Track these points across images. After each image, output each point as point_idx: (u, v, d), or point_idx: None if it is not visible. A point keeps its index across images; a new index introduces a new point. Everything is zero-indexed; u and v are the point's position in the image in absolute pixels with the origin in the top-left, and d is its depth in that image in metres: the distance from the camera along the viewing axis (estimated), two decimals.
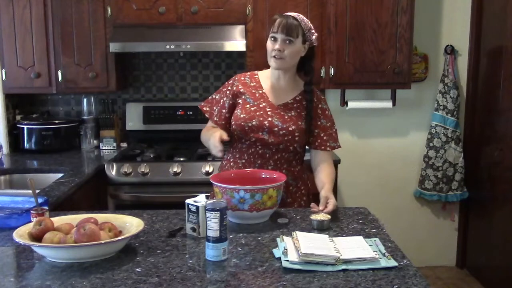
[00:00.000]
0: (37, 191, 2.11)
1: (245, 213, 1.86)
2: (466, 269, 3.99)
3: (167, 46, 3.30)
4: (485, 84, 3.70)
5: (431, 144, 3.83)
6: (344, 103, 3.74)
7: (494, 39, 3.56)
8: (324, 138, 2.24)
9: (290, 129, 2.16)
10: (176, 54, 3.79)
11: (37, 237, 1.59)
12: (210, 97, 2.39)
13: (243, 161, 2.21)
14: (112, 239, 1.57)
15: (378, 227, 1.88)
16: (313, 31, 2.20)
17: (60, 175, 2.87)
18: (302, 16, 2.20)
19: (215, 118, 2.31)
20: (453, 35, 3.81)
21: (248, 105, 2.21)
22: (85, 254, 1.54)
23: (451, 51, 3.79)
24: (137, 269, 1.50)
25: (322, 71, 3.47)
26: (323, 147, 2.23)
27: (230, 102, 2.27)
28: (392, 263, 1.52)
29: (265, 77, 2.29)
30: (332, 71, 3.44)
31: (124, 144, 3.76)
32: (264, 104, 2.21)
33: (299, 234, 1.67)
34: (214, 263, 1.54)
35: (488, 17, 3.65)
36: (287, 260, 1.51)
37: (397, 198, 3.98)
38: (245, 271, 1.49)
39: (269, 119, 2.17)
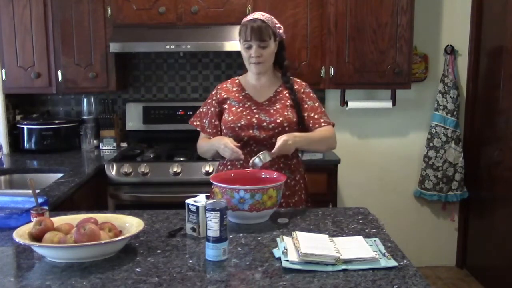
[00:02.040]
0: (37, 191, 2.10)
1: (245, 213, 1.86)
2: (466, 269, 3.99)
3: (167, 46, 3.30)
4: (485, 84, 3.70)
5: (431, 144, 3.83)
6: (344, 103, 3.74)
7: (494, 39, 3.56)
8: (316, 116, 2.27)
9: (278, 121, 2.20)
10: (176, 54, 3.79)
11: (37, 237, 1.59)
12: (198, 112, 2.44)
13: (241, 162, 2.22)
14: (112, 239, 1.57)
15: (378, 227, 1.88)
16: (278, 25, 2.26)
17: (60, 175, 2.87)
18: (267, 15, 2.26)
19: (208, 130, 2.36)
20: (453, 35, 3.81)
21: (234, 108, 2.28)
22: (85, 254, 1.54)
23: (451, 51, 3.79)
24: (137, 269, 1.50)
25: (322, 71, 3.47)
26: (317, 125, 2.25)
27: (217, 110, 2.33)
28: (392, 263, 1.52)
29: (246, 80, 2.36)
30: (332, 71, 3.44)
31: (124, 144, 3.76)
32: (249, 103, 2.27)
33: (299, 234, 1.67)
34: (214, 263, 1.54)
35: (488, 17, 3.65)
36: (287, 260, 1.51)
37: (397, 198, 3.98)
38: (245, 271, 1.49)
39: (256, 115, 2.22)
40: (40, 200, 1.89)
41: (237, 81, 2.38)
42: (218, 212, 1.54)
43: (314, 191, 3.24)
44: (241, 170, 2.16)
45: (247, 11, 3.39)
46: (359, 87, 3.64)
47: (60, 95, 3.79)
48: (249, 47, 2.21)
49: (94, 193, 3.05)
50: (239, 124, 2.22)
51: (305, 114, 2.26)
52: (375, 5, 3.39)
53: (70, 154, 3.47)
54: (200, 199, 1.78)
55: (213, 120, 2.34)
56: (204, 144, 2.33)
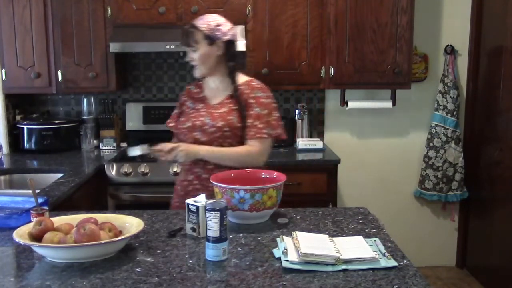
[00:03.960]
0: (37, 191, 2.10)
1: (245, 213, 1.86)
2: (466, 269, 3.99)
3: (167, 46, 3.30)
4: (485, 84, 3.70)
5: (431, 144, 3.83)
6: (344, 103, 3.74)
7: (494, 39, 3.56)
8: (260, 126, 2.19)
9: (218, 125, 2.19)
10: (176, 54, 3.79)
11: (37, 237, 1.59)
12: (173, 113, 2.47)
13: (187, 165, 2.27)
14: (112, 239, 1.57)
15: (378, 227, 1.88)
16: (221, 27, 2.21)
17: (60, 175, 2.87)
18: (206, 19, 2.23)
19: (170, 124, 2.43)
20: (453, 35, 3.81)
21: (188, 110, 2.33)
22: (85, 254, 1.54)
23: (451, 51, 3.79)
24: (137, 269, 1.50)
25: (322, 71, 3.47)
26: (259, 135, 2.18)
27: (179, 111, 2.40)
28: (392, 263, 1.52)
29: (207, 81, 2.36)
30: (332, 71, 3.44)
31: (124, 144, 3.76)
32: (201, 105, 2.30)
33: (299, 234, 1.67)
34: (214, 263, 1.54)
35: (488, 17, 3.65)
36: (287, 260, 1.51)
37: (397, 198, 3.98)
38: (245, 271, 1.49)
39: (201, 118, 2.24)
40: (40, 200, 1.89)
41: (200, 82, 2.39)
42: (218, 212, 1.54)
43: (314, 191, 3.28)
44: (241, 170, 2.16)
45: (247, 11, 3.39)
46: (359, 87, 3.64)
47: (60, 95, 3.79)
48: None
49: (94, 193, 3.05)
50: (185, 126, 2.26)
51: (249, 121, 2.19)
52: (375, 5, 3.39)
53: (70, 154, 3.47)
54: (200, 199, 1.78)
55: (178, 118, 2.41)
56: None
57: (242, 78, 2.29)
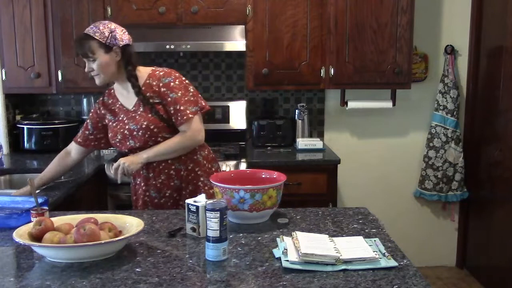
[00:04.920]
0: (37, 191, 2.11)
1: (245, 213, 1.86)
2: (466, 269, 3.99)
3: (167, 46, 3.30)
4: (485, 84, 3.70)
5: (431, 144, 3.83)
6: (344, 103, 3.74)
7: (494, 39, 3.56)
8: (182, 108, 2.20)
9: (144, 125, 2.20)
10: (176, 54, 3.79)
11: (37, 237, 1.59)
12: (82, 130, 2.45)
13: (135, 173, 2.28)
14: (112, 239, 1.57)
15: (378, 227, 1.88)
16: (115, 33, 2.19)
17: None
18: (98, 26, 2.20)
19: (78, 140, 2.42)
20: (453, 35, 3.81)
21: (111, 123, 2.33)
22: (85, 254, 1.54)
23: (451, 51, 3.79)
24: (137, 269, 1.50)
25: (322, 71, 3.47)
26: (185, 117, 2.20)
27: (96, 120, 2.38)
28: (392, 263, 1.52)
29: (117, 88, 2.35)
30: (332, 71, 3.44)
31: None
32: (122, 115, 2.30)
33: (299, 234, 1.67)
34: (214, 263, 1.54)
35: (488, 17, 3.65)
36: (287, 260, 1.51)
37: (397, 198, 3.98)
38: (245, 271, 1.49)
39: (126, 127, 2.25)
40: (40, 200, 1.89)
41: (112, 91, 2.37)
42: (218, 212, 1.54)
43: (314, 191, 3.28)
44: (241, 170, 2.17)
45: (247, 11, 3.39)
46: (359, 87, 3.64)
47: (60, 95, 3.79)
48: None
49: (94, 193, 3.04)
50: (117, 139, 2.28)
51: (170, 109, 2.21)
52: (375, 5, 3.39)
53: None
54: (200, 199, 1.79)
55: (86, 132, 2.41)
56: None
57: (144, 72, 2.29)
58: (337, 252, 1.54)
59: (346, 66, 3.45)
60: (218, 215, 1.54)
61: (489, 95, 3.61)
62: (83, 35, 2.19)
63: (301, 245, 1.55)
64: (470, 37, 3.81)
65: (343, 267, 1.49)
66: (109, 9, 3.38)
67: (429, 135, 3.84)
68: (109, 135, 2.33)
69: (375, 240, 1.70)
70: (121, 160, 2.16)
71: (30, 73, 3.44)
